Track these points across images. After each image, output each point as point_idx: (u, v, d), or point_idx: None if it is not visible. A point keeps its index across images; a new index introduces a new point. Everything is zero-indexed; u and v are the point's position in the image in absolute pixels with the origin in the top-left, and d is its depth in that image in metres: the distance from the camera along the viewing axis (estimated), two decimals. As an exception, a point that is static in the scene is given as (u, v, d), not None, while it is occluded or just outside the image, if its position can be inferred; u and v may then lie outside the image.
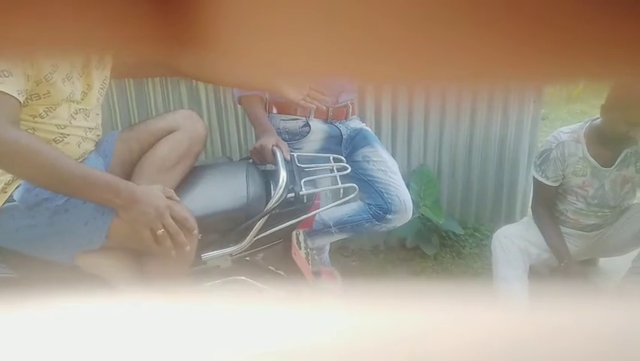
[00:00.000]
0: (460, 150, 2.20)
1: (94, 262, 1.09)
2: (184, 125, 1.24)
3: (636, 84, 0.11)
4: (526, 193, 2.22)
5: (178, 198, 1.09)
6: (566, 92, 4.54)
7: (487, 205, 2.30)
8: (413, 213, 2.09)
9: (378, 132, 2.07)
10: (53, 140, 1.06)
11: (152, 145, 1.22)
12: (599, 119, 1.65)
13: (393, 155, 2.14)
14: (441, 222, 2.04)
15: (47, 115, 1.04)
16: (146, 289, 1.07)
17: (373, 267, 2.16)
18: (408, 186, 2.12)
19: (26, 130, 1.01)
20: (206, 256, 1.15)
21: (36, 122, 1.03)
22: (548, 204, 1.79)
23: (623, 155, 1.65)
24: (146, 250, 1.08)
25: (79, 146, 1.13)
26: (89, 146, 1.17)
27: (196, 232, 1.04)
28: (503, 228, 1.83)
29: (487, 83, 0.12)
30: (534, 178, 1.79)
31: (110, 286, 1.07)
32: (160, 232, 1.00)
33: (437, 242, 2.16)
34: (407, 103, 2.07)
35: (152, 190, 1.04)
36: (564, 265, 1.67)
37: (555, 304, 0.12)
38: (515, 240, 1.73)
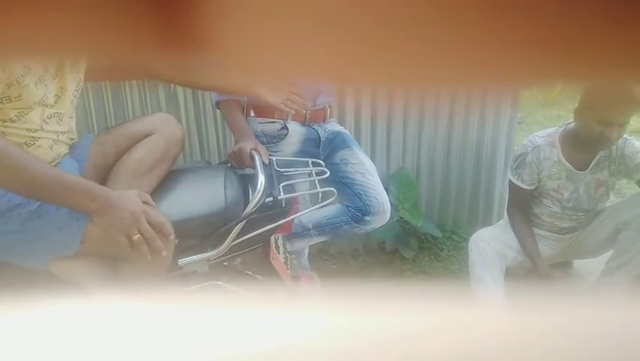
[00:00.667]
0: (438, 154, 2.22)
1: (68, 268, 1.07)
2: (161, 129, 1.22)
3: (607, 83, 0.11)
4: (502, 196, 2.26)
5: (154, 203, 1.08)
6: (542, 96, 4.62)
7: (465, 208, 2.33)
8: (392, 217, 2.11)
9: (357, 135, 2.08)
10: (24, 143, 1.04)
11: (128, 149, 1.20)
12: (573, 123, 1.68)
13: (373, 158, 2.15)
14: (419, 225, 2.06)
15: (19, 119, 1.02)
16: (123, 294, 1.05)
17: (353, 270, 2.17)
18: (387, 189, 2.14)
19: None
20: (182, 261, 1.14)
21: (6, 127, 1.01)
22: (524, 207, 1.82)
23: (597, 158, 1.68)
24: (121, 255, 1.07)
25: (51, 149, 1.11)
26: (62, 149, 1.15)
27: (172, 237, 1.03)
28: (480, 231, 1.85)
29: (478, 86, 0.12)
30: (510, 182, 1.82)
31: (84, 292, 1.05)
32: (136, 237, 0.98)
33: (416, 245, 2.18)
34: (386, 106, 2.08)
35: (128, 195, 1.02)
36: (539, 269, 1.70)
37: (532, 305, 0.13)
38: (492, 243, 1.75)
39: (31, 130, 1.05)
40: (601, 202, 1.77)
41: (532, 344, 0.11)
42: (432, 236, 2.21)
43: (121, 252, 1.04)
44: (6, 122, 1.00)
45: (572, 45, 0.10)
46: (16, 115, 1.01)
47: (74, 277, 1.06)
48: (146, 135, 1.22)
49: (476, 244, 1.77)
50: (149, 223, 1.00)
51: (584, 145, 1.64)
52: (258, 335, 0.12)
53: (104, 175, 1.19)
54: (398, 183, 2.14)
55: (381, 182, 2.18)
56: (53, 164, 1.10)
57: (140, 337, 0.12)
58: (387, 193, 2.13)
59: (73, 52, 0.12)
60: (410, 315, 0.12)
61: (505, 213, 1.91)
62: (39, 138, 1.07)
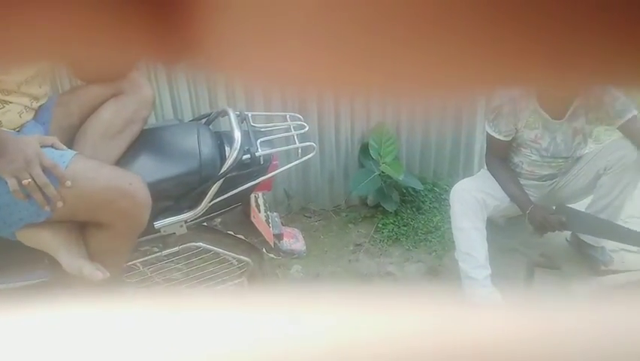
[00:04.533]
0: (417, 107, 2.18)
1: (37, 236, 1.02)
2: (129, 88, 1.16)
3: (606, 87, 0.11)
4: (483, 147, 2.24)
5: (63, 147, 1.01)
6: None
7: (445, 160, 2.32)
8: (373, 171, 2.09)
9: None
10: None
11: (94, 109, 1.13)
12: None
13: (352, 113, 2.11)
14: (401, 179, 2.04)
15: None
16: (96, 263, 1.01)
17: (336, 226, 2.16)
18: (367, 144, 2.11)
19: None
20: (159, 223, 1.10)
21: None
22: (503, 158, 1.82)
23: (573, 107, 1.67)
24: (93, 221, 1.02)
25: (20, 116, 1.04)
26: (29, 116, 1.08)
27: (69, 183, 0.95)
28: (461, 181, 1.85)
29: (481, 89, 0.12)
30: (487, 134, 1.80)
31: (56, 260, 1.01)
32: (26, 181, 0.92)
33: (398, 198, 2.17)
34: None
35: (25, 139, 0.96)
36: (529, 211, 1.71)
37: (533, 304, 0.13)
38: (472, 192, 1.75)
39: (5, 91, 0.98)
40: (579, 150, 1.77)
41: (533, 345, 0.11)
42: (413, 189, 2.21)
43: (92, 217, 1.00)
44: None
45: (567, 49, 0.10)
46: None
47: (44, 245, 1.02)
48: (114, 95, 1.15)
49: (457, 194, 1.76)
50: (43, 168, 0.93)
51: (548, 95, 1.63)
52: (255, 335, 0.12)
53: (70, 137, 1.13)
54: (378, 137, 2.11)
55: (362, 137, 2.16)
56: (18, 130, 1.04)
57: (135, 338, 0.12)
58: (368, 148, 2.11)
59: (62, 55, 0.12)
60: (407, 314, 0.12)
61: (485, 165, 1.91)
62: (10, 103, 1.00)
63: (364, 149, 2.15)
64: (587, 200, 1.81)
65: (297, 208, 2.21)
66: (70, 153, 0.99)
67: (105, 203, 0.98)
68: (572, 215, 1.73)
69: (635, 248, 1.88)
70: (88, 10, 0.11)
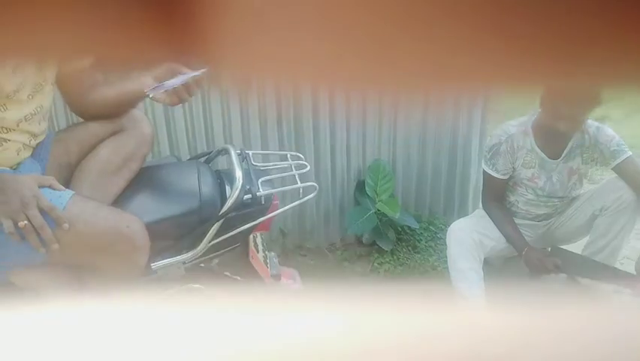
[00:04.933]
0: (413, 145, 2.20)
1: (31, 278, 0.98)
2: (128, 126, 1.14)
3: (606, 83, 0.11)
4: (477, 185, 2.26)
5: (61, 187, 0.98)
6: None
7: (441, 198, 2.32)
8: (369, 209, 2.07)
9: (332, 127, 2.03)
10: None
11: (93, 147, 1.12)
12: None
13: (348, 150, 2.11)
14: (397, 217, 2.03)
15: None
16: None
17: (331, 265, 2.13)
18: (363, 181, 2.11)
19: None
20: (156, 264, 1.07)
21: None
22: (499, 197, 1.81)
23: (569, 147, 1.69)
24: (89, 264, 0.99)
25: (18, 153, 1.02)
26: (28, 153, 1.06)
27: (66, 225, 0.92)
28: (457, 221, 1.84)
29: (483, 86, 0.12)
30: (484, 172, 1.80)
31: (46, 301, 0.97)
32: (23, 223, 0.89)
33: (393, 237, 2.15)
34: (361, 98, 2.04)
35: (22, 179, 0.93)
36: (525, 253, 1.69)
37: (533, 305, 0.13)
38: (469, 232, 1.74)
39: (4, 129, 0.96)
40: (575, 190, 1.78)
41: (534, 346, 0.11)
42: (409, 228, 2.19)
43: (88, 260, 0.97)
44: None
45: (568, 45, 0.10)
46: None
47: (37, 287, 0.98)
48: (113, 133, 1.14)
49: (454, 235, 1.75)
50: (41, 209, 0.91)
51: (551, 133, 1.64)
52: (250, 337, 0.12)
53: (68, 175, 1.10)
54: (375, 174, 2.11)
55: (358, 174, 2.16)
56: (15, 168, 1.01)
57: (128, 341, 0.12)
58: (364, 186, 2.10)
59: (70, 53, 0.12)
60: (408, 316, 0.12)
61: (481, 203, 1.91)
62: (8, 140, 0.98)
63: (360, 186, 2.15)
64: (584, 241, 1.80)
65: (292, 246, 2.18)
66: (67, 193, 0.97)
67: (102, 246, 0.96)
68: (568, 257, 1.72)
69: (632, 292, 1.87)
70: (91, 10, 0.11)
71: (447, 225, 2.17)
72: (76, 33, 0.11)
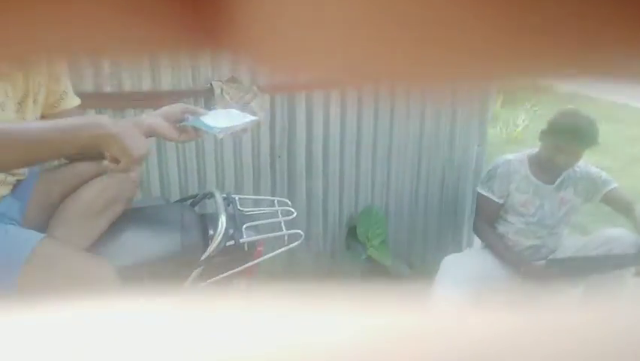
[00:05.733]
0: (406, 190, 2.20)
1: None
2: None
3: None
4: (470, 233, 2.24)
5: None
6: (506, 134, 4.75)
7: (433, 245, 2.30)
8: (360, 255, 2.04)
9: (325, 172, 2.03)
10: None
11: (76, 188, 1.11)
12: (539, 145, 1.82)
13: (341, 195, 2.10)
14: (388, 264, 2.00)
15: None
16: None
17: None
18: (355, 227, 2.09)
19: None
20: (133, 311, 1.04)
21: None
22: (492, 221, 1.86)
23: (562, 177, 1.77)
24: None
25: None
26: (5, 191, 1.04)
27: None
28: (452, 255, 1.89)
29: (486, 82, 0.12)
30: (480, 196, 1.87)
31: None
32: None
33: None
34: (354, 142, 2.05)
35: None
36: (522, 271, 1.72)
37: (534, 306, 0.12)
38: (464, 266, 1.79)
39: None
40: (563, 222, 1.83)
41: (534, 346, 0.11)
42: (401, 275, 2.15)
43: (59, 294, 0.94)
44: None
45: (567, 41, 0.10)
46: None
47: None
48: (98, 175, 1.13)
49: (447, 267, 1.81)
50: None
51: (547, 165, 1.75)
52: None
53: (48, 215, 1.09)
54: (367, 220, 2.09)
55: (350, 220, 2.14)
56: None
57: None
58: (355, 231, 2.08)
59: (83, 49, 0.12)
60: (406, 317, 0.12)
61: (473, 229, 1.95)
62: None
63: (352, 232, 2.12)
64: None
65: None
66: (37, 236, 0.95)
67: (71, 287, 0.93)
68: (566, 264, 1.75)
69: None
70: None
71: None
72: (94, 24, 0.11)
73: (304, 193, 2.03)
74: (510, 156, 1.87)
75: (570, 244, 1.83)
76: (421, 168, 2.20)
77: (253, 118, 1.06)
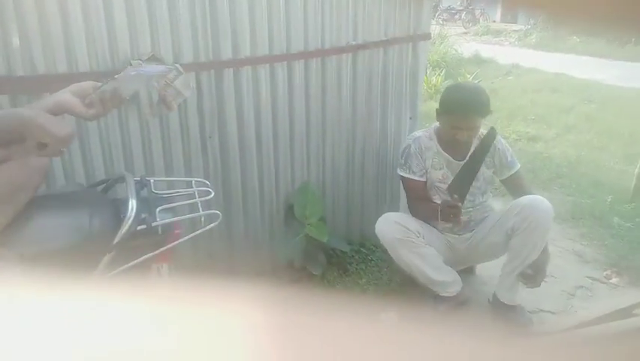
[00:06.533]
0: (341, 166, 2.21)
1: None
2: (20, 155, 1.08)
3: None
4: (406, 211, 2.27)
5: None
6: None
7: (371, 220, 2.32)
8: (298, 233, 2.05)
9: (259, 151, 2.00)
10: None
11: (-23, 175, 1.04)
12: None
13: (277, 173, 2.09)
14: (326, 241, 2.01)
15: None
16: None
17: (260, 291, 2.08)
18: (291, 205, 2.08)
19: None
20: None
21: None
22: (422, 198, 1.87)
23: (471, 151, 1.79)
24: None
25: None
26: None
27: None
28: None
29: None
30: (402, 178, 1.88)
31: None
32: None
33: (324, 260, 2.13)
34: (287, 118, 2.03)
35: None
36: (440, 213, 1.70)
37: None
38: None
39: None
40: (484, 194, 1.87)
41: None
42: (340, 250, 2.18)
43: None
44: None
45: None
46: None
47: None
48: (3, 161, 1.07)
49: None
50: None
51: (450, 143, 1.78)
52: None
53: None
54: (303, 198, 2.09)
55: (287, 198, 2.13)
56: None
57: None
58: (292, 210, 2.08)
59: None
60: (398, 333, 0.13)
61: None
62: None
63: (290, 210, 2.12)
64: (504, 258, 1.84)
65: (221, 272, 2.11)
66: None
67: None
68: (457, 182, 1.75)
69: (553, 309, 1.92)
70: None
71: (378, 247, 2.17)
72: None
73: (239, 173, 2.00)
74: (418, 133, 1.89)
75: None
76: (356, 142, 2.21)
77: (165, 67, 1.03)
